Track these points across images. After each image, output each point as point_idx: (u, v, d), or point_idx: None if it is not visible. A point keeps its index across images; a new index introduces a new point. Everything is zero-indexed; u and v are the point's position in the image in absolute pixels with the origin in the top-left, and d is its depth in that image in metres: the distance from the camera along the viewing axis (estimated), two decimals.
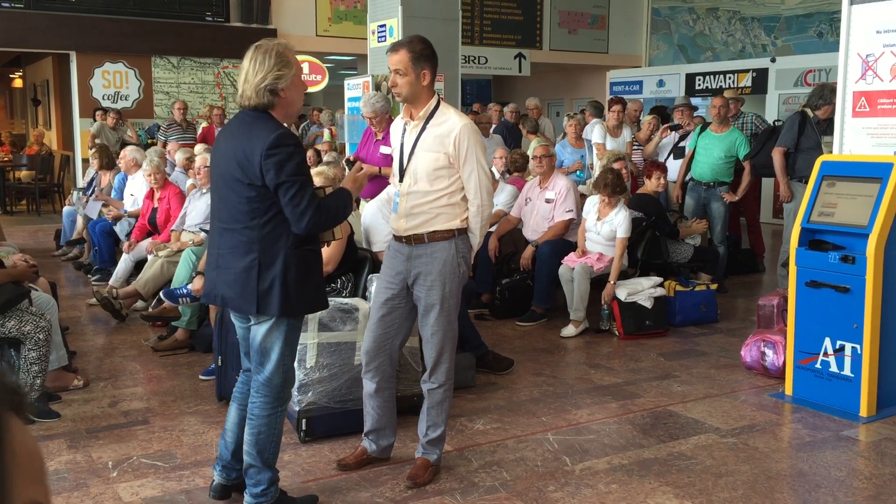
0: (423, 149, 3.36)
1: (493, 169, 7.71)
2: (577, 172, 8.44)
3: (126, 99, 13.29)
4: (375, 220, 5.30)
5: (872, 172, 4.36)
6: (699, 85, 14.35)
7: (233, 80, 13.79)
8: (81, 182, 11.24)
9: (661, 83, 15.25)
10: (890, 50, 4.41)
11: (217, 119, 10.88)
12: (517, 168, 7.48)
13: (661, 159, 8.35)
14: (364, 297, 4.50)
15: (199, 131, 11.22)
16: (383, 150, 6.09)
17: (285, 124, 3.10)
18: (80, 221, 8.94)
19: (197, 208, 6.45)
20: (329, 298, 4.15)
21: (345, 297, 4.53)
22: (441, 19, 7.80)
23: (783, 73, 13.04)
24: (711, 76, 14.22)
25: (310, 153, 10.70)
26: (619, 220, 6.05)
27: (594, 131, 8.37)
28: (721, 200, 7.41)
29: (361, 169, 3.37)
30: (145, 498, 3.37)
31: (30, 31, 12.44)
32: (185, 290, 5.28)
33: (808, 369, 4.56)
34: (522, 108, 10.82)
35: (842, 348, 4.41)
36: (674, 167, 7.91)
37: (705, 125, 7.72)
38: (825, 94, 6.30)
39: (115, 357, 5.44)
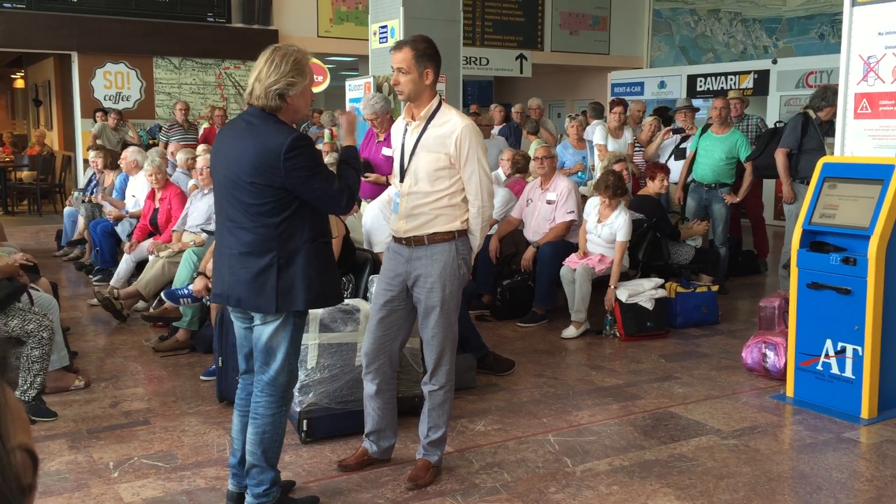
0: (424, 149, 3.36)
1: (500, 171, 7.72)
2: (579, 174, 8.44)
3: (127, 99, 13.30)
4: (377, 221, 5.30)
5: (874, 174, 4.36)
6: (700, 86, 14.36)
7: (234, 81, 13.80)
8: (82, 182, 11.25)
9: (662, 84, 15.25)
10: (892, 51, 4.40)
11: (218, 120, 10.88)
12: (518, 169, 7.48)
13: (663, 161, 8.36)
14: (365, 298, 4.50)
15: (201, 132, 11.23)
16: (385, 151, 6.09)
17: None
18: (81, 222, 8.94)
19: (198, 209, 6.45)
20: None
21: (346, 297, 4.53)
22: (442, 20, 7.81)
23: (784, 75, 13.04)
24: (713, 78, 14.22)
25: None
26: (618, 224, 6.04)
27: (595, 132, 8.37)
28: (722, 202, 7.41)
29: (354, 118, 3.43)
30: (146, 498, 3.37)
31: (31, 32, 12.45)
32: (186, 291, 5.28)
33: (810, 371, 4.56)
34: (526, 109, 10.82)
35: (843, 350, 4.40)
36: (675, 168, 7.90)
37: (706, 126, 7.72)
38: (827, 95, 6.30)
39: (116, 358, 5.44)
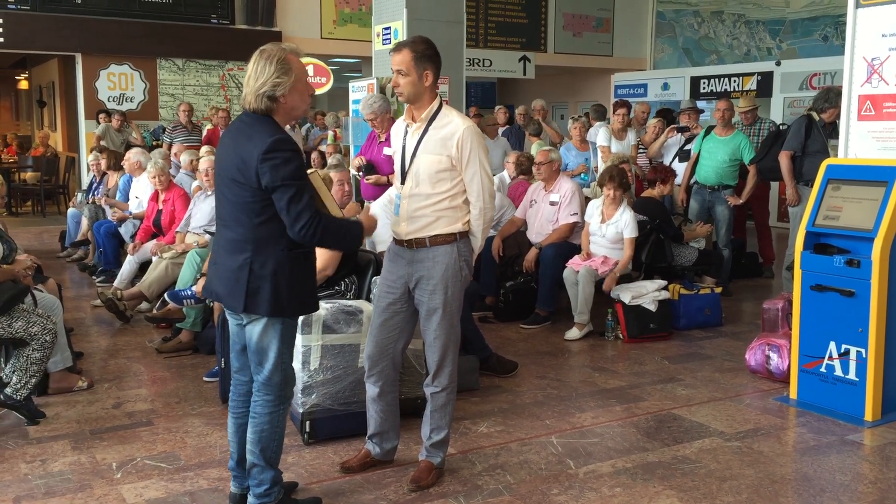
0: (425, 151, 3.36)
1: (504, 173, 7.72)
2: (582, 175, 8.44)
3: (131, 101, 13.33)
4: (380, 220, 5.30)
5: (878, 176, 4.36)
6: (704, 88, 14.36)
7: (238, 83, 13.82)
8: (85, 184, 11.27)
9: (665, 86, 15.26)
10: None
11: (222, 121, 10.90)
12: (522, 171, 7.48)
13: (667, 161, 8.36)
14: (368, 300, 4.50)
15: (205, 133, 11.25)
16: (386, 151, 6.09)
17: (287, 127, 3.12)
18: (84, 223, 8.96)
19: (202, 210, 6.46)
20: (333, 300, 4.17)
21: (349, 299, 4.53)
22: (446, 22, 7.81)
23: (788, 77, 13.03)
24: (716, 79, 14.22)
25: (314, 155, 10.74)
26: (625, 221, 6.05)
27: (599, 134, 8.37)
28: (725, 204, 7.41)
29: (375, 222, 3.35)
30: (149, 499, 3.38)
31: (35, 33, 12.48)
32: (189, 292, 5.29)
33: (813, 373, 4.55)
34: (530, 111, 10.81)
35: (847, 352, 4.39)
36: (678, 170, 7.90)
37: (710, 128, 7.71)
38: (830, 97, 6.29)
39: (119, 358, 5.45)
